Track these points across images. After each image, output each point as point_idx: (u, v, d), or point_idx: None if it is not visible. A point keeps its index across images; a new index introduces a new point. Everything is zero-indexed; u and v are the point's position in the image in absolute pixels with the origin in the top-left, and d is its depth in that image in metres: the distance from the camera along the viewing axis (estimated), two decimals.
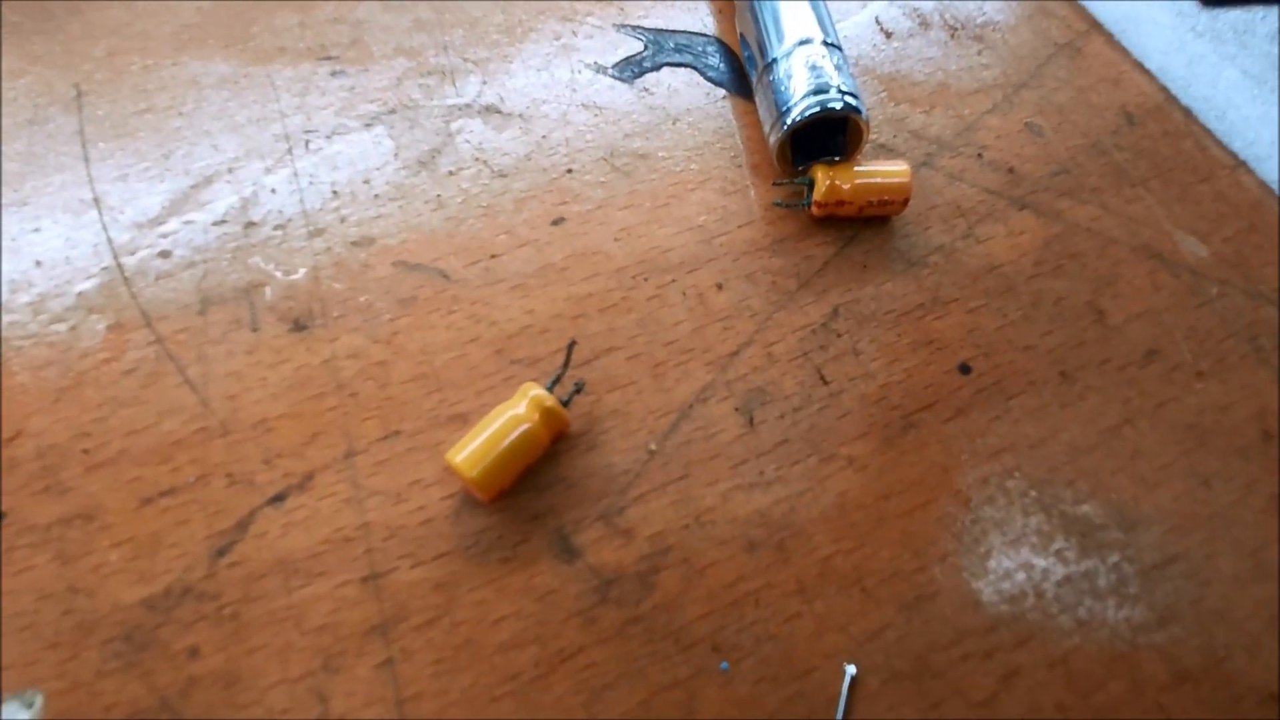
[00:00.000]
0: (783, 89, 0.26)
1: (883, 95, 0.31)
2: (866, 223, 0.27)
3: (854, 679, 0.19)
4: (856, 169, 0.26)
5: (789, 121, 0.26)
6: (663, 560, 0.21)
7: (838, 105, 0.25)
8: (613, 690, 0.19)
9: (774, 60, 0.27)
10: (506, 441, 0.20)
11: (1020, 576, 0.21)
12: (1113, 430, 0.23)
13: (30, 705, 0.19)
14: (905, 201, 0.26)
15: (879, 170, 0.26)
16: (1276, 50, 0.30)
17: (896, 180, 0.26)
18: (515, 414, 0.21)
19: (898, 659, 0.20)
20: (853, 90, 0.26)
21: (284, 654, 0.19)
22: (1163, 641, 0.21)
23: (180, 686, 0.19)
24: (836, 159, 0.27)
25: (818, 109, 0.25)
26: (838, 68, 0.26)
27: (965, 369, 0.24)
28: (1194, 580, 0.21)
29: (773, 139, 0.27)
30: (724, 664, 0.20)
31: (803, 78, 0.26)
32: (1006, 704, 0.19)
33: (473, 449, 0.20)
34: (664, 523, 0.22)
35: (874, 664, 0.20)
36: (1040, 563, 0.21)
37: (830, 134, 0.27)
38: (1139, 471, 0.23)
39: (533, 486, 0.22)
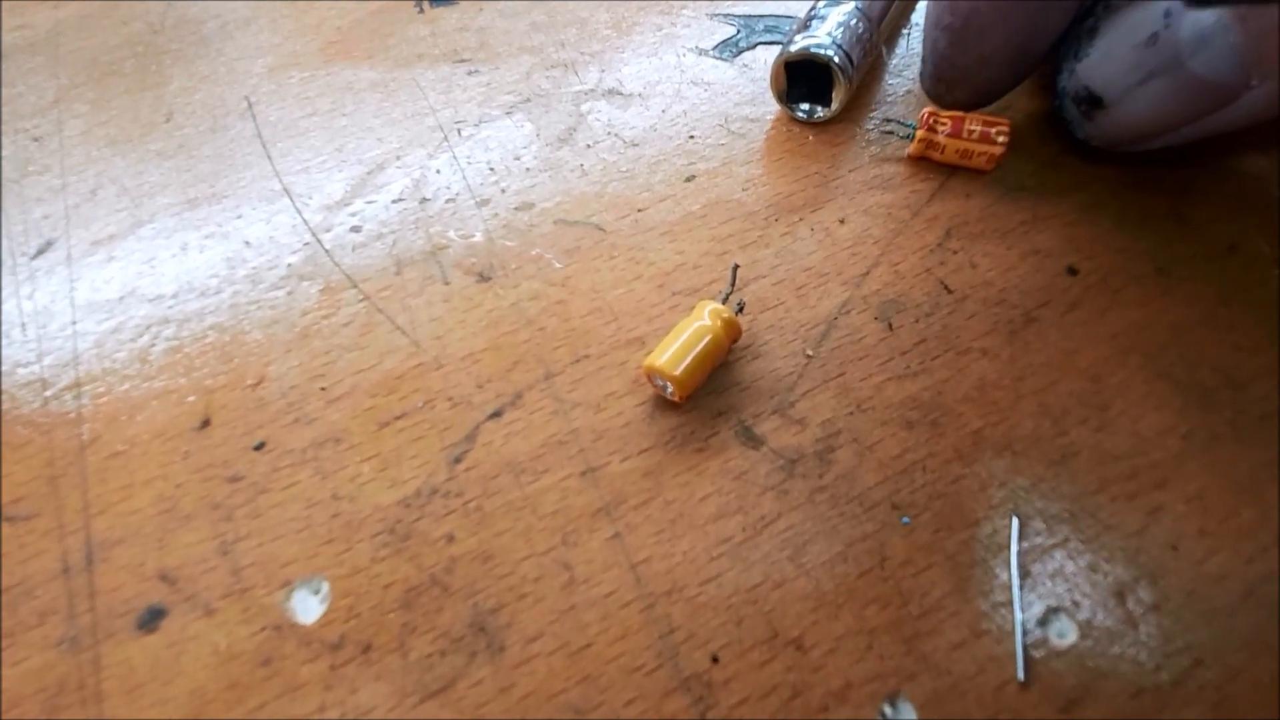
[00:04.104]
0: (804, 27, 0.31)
1: None
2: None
3: (1020, 526, 0.22)
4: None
5: (785, 51, 0.31)
6: (835, 441, 0.24)
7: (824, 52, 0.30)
8: (813, 544, 0.22)
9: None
10: (699, 347, 0.24)
11: (1149, 431, 0.24)
12: (1209, 310, 0.27)
13: (317, 592, 0.22)
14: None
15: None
16: None
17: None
18: (702, 324, 0.24)
19: (1054, 504, 0.23)
20: (842, 44, 0.30)
21: (527, 534, 0.23)
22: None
23: (445, 565, 0.22)
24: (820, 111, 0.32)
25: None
26: (852, 28, 0.30)
27: (1072, 271, 0.28)
28: None
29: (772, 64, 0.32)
30: (905, 518, 0.23)
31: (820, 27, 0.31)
32: (1154, 533, 0.22)
33: (671, 353, 0.24)
34: (830, 411, 0.25)
35: (1033, 510, 0.23)
36: (1166, 419, 0.24)
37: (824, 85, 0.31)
38: (1236, 342, 0.26)
39: (712, 390, 0.25)
